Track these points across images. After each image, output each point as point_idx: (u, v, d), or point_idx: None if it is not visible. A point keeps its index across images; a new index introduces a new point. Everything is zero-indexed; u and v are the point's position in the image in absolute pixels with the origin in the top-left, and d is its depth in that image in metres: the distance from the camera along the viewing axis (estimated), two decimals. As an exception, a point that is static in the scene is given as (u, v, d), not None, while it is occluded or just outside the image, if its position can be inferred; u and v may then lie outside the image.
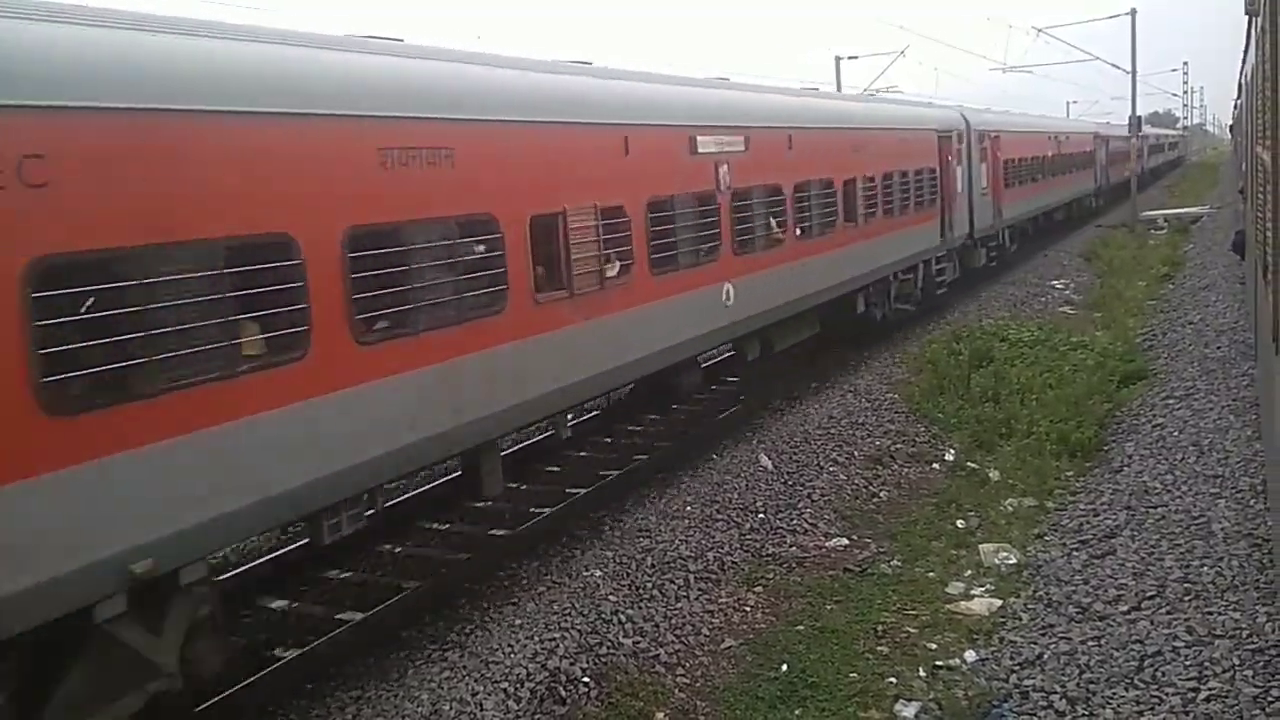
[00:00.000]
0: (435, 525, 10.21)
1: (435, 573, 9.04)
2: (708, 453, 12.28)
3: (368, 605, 8.28)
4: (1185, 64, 78.54)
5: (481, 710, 6.90)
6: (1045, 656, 7.30)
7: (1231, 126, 44.07)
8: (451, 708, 6.90)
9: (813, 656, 8.02)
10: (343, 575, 9.09)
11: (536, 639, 7.76)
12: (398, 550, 9.64)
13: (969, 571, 9.48)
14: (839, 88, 40.78)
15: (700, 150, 11.51)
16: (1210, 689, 6.47)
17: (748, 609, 8.88)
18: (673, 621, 8.46)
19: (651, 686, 7.54)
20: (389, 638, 8.04)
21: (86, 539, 5.35)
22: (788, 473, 11.85)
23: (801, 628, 8.52)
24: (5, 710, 5.38)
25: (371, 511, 7.79)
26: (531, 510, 10.35)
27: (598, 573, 9.01)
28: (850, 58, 42.98)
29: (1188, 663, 6.81)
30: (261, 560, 9.33)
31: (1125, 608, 7.81)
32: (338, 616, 8.14)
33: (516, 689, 7.14)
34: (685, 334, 11.24)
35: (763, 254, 12.93)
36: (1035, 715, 6.67)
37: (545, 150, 9.04)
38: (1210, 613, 7.44)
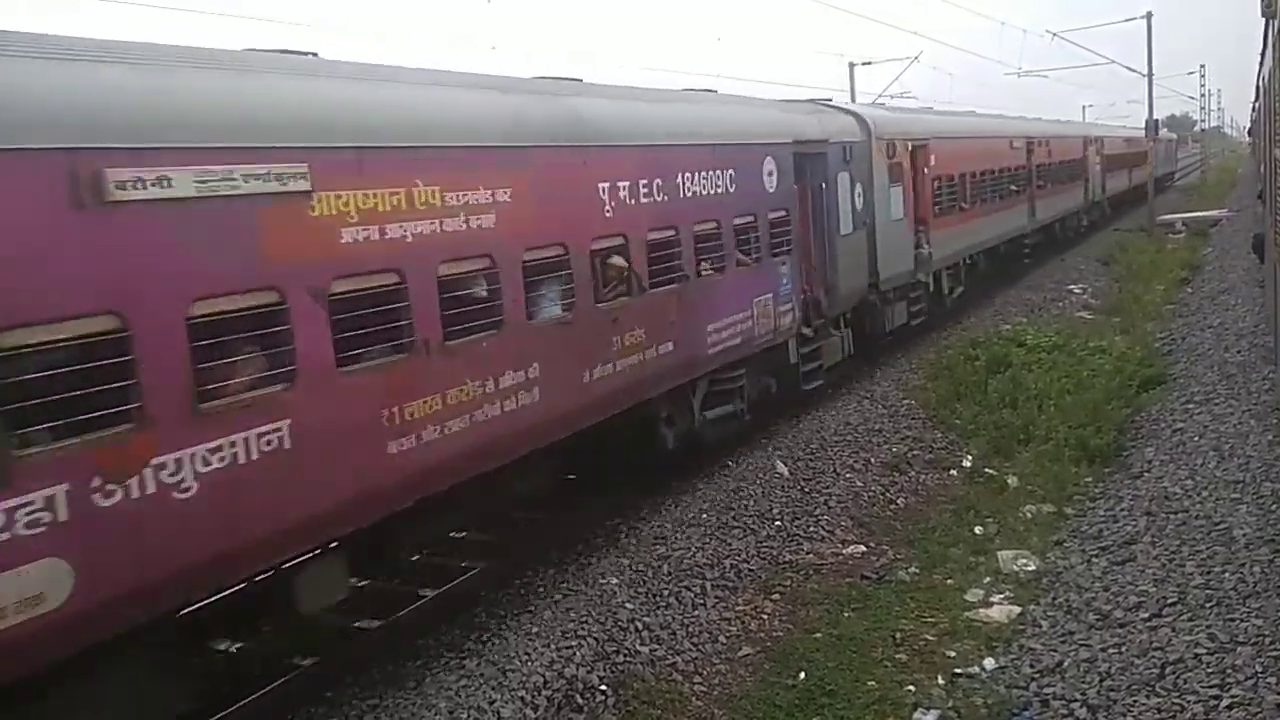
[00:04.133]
0: (453, 534, 10.22)
1: (452, 580, 9.06)
2: (723, 460, 12.25)
3: (385, 613, 8.30)
4: (1202, 66, 77.63)
5: (499, 718, 6.90)
6: (1065, 664, 7.24)
7: (1249, 129, 43.86)
8: (469, 715, 6.90)
9: (830, 664, 7.99)
10: (361, 583, 9.11)
11: (553, 647, 7.76)
12: (415, 558, 9.65)
13: (988, 578, 9.43)
14: (853, 94, 40.72)
15: (1014, 147, 25.29)
16: (1233, 696, 6.40)
17: (765, 616, 8.86)
18: (690, 629, 8.44)
19: (669, 695, 7.53)
20: (406, 645, 8.05)
21: None
22: (804, 479, 11.81)
23: (819, 635, 8.49)
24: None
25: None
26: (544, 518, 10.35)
27: (614, 580, 9.00)
28: (865, 63, 42.76)
29: (1210, 670, 6.74)
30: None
31: (1146, 614, 7.75)
32: (355, 624, 8.16)
33: (534, 697, 7.14)
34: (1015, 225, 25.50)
35: (1051, 187, 27.84)
36: (1055, 723, 6.62)
37: (1007, 147, 24.40)
38: (1232, 619, 7.36)
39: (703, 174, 10.57)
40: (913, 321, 17.79)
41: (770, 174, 12.12)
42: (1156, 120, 40.13)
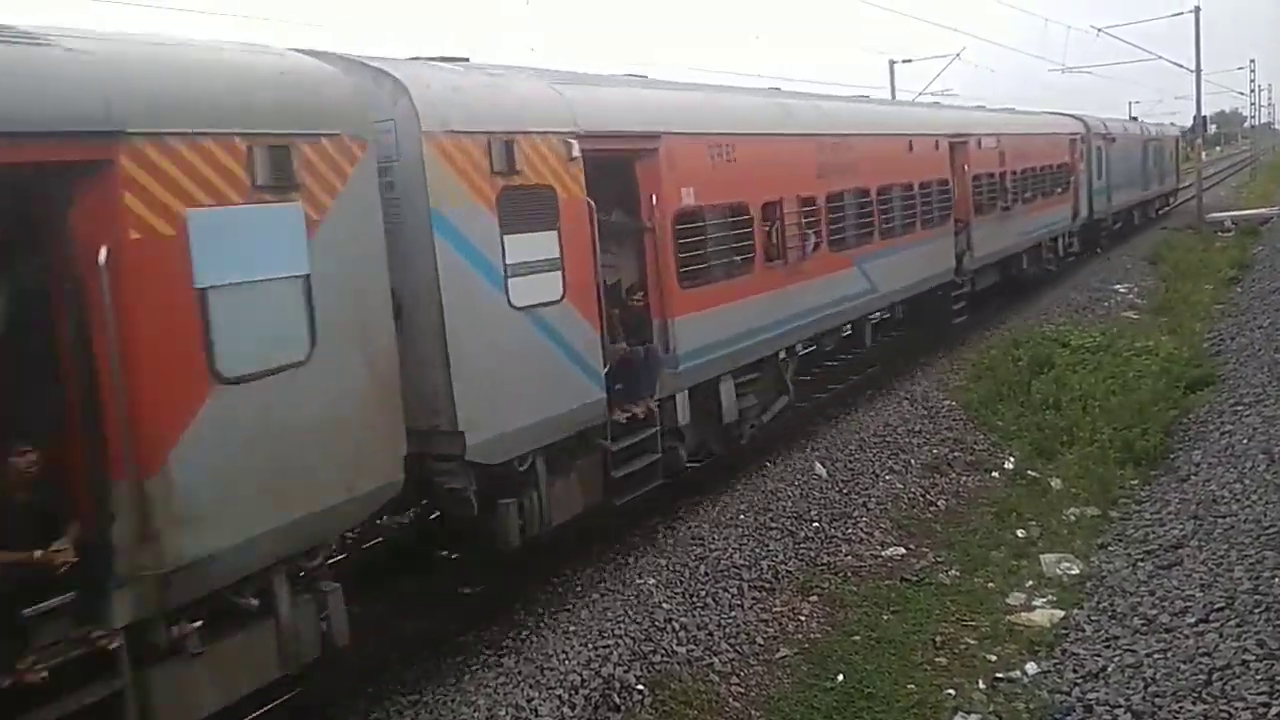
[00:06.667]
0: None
1: (490, 579, 9.12)
2: (761, 460, 12.22)
3: (426, 610, 8.38)
4: (1252, 61, 75.99)
5: (537, 716, 6.94)
6: (1109, 669, 7.15)
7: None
8: (507, 713, 6.96)
9: (869, 667, 7.95)
10: (401, 580, 9.21)
11: (590, 646, 7.79)
12: (454, 556, 9.75)
13: (1030, 582, 9.32)
14: (893, 93, 40.44)
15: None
16: (1283, 704, 6.28)
17: (803, 618, 8.83)
18: (726, 630, 8.43)
19: (706, 695, 7.53)
20: (446, 642, 8.12)
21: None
22: (843, 481, 11.75)
23: (858, 638, 8.45)
24: None
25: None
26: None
27: (651, 580, 9.02)
28: (904, 61, 42.46)
29: (1258, 677, 6.62)
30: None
31: (1193, 620, 7.62)
32: (396, 621, 8.25)
33: (571, 695, 7.18)
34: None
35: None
36: (1099, 729, 6.53)
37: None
38: (1283, 626, 7.22)
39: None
40: None
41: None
42: (1205, 117, 39.38)
